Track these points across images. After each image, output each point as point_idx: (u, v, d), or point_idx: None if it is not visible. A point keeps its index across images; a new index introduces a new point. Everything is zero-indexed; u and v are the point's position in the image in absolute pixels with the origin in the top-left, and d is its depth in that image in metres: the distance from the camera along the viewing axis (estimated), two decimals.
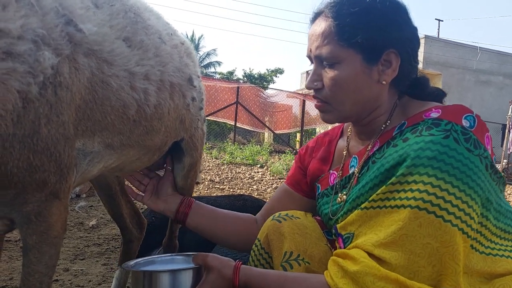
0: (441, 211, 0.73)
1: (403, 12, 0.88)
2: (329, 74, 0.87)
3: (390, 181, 0.79)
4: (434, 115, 0.82)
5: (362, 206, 0.84)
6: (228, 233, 1.15)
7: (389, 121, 0.91)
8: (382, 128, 0.91)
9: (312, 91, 0.93)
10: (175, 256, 1.09)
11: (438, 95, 0.95)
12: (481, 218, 0.78)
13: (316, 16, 0.91)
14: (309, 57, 0.93)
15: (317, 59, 0.89)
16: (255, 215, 1.22)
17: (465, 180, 0.74)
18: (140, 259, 1.06)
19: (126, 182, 1.45)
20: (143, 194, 1.25)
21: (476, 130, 0.78)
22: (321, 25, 0.88)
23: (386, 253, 0.75)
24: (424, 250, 0.73)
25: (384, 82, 0.87)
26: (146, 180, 1.26)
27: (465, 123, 0.79)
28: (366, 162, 0.90)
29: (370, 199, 0.82)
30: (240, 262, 0.91)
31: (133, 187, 1.30)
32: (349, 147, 1.01)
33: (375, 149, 0.89)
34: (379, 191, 0.81)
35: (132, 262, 1.03)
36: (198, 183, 4.99)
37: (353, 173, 0.93)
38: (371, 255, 0.76)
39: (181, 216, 1.18)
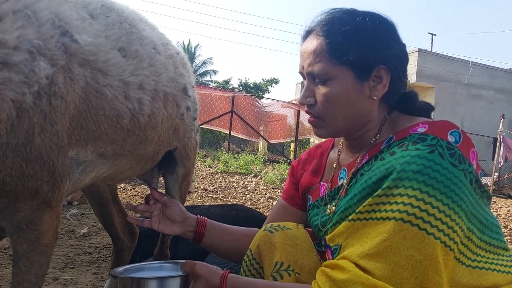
0: (424, 223, 0.74)
1: (392, 29, 0.91)
2: (321, 90, 0.89)
3: (376, 193, 0.80)
4: (421, 130, 0.84)
5: (350, 218, 0.85)
6: (240, 249, 1.14)
7: (378, 135, 0.93)
8: (372, 142, 0.93)
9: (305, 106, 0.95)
10: (163, 264, 1.09)
11: (427, 109, 0.97)
12: (467, 231, 0.80)
13: (308, 34, 0.93)
14: (301, 73, 0.95)
15: (309, 76, 0.92)
16: (247, 225, 1.23)
17: (449, 194, 0.76)
18: (128, 266, 1.05)
19: (129, 211, 1.43)
20: (147, 220, 1.21)
21: (461, 146, 0.80)
22: (313, 43, 0.90)
23: (370, 264, 0.76)
24: (407, 262, 0.74)
25: (375, 98, 0.90)
26: (154, 207, 1.21)
27: (450, 138, 0.81)
28: (355, 175, 0.91)
29: (357, 211, 0.84)
30: (228, 271, 0.91)
31: (136, 213, 1.26)
32: (339, 159, 1.03)
33: (363, 162, 0.91)
34: (365, 203, 0.82)
35: (120, 269, 1.02)
36: (190, 192, 4.98)
37: (342, 184, 0.94)
38: (357, 265, 0.77)
39: (198, 236, 1.17)
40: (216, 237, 1.17)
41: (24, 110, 0.78)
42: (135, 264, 1.07)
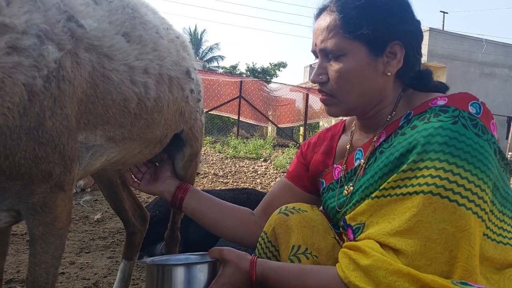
0: (454, 195, 0.73)
1: (406, 5, 0.90)
2: (334, 66, 0.88)
3: (402, 168, 0.79)
4: (441, 102, 0.83)
5: (373, 195, 0.84)
6: (224, 223, 1.15)
7: (394, 113, 0.92)
8: (388, 119, 0.92)
9: (316, 85, 0.94)
10: (189, 256, 1.08)
11: (441, 88, 0.96)
12: (490, 204, 0.78)
13: (321, 11, 0.93)
14: (314, 51, 0.94)
15: (322, 53, 0.91)
16: None
17: (477, 164, 0.75)
18: (155, 258, 1.05)
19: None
20: (139, 182, 1.27)
21: (482, 117, 0.79)
22: (326, 19, 0.90)
23: (401, 241, 0.75)
24: (440, 236, 0.72)
25: (389, 74, 0.89)
26: (144, 168, 1.28)
27: (471, 109, 0.79)
28: (373, 153, 0.90)
29: (381, 188, 0.82)
30: (256, 256, 0.92)
31: (132, 175, 1.31)
32: (352, 141, 1.02)
33: (381, 140, 0.90)
34: (390, 179, 0.81)
35: (148, 259, 1.02)
36: (198, 173, 5.03)
37: (359, 165, 0.93)
38: (383, 245, 0.77)
39: (177, 201, 1.19)
40: (198, 204, 1.17)
41: (35, 94, 0.79)
42: (161, 256, 1.07)
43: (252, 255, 0.92)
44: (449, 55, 14.06)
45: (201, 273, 0.91)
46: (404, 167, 0.78)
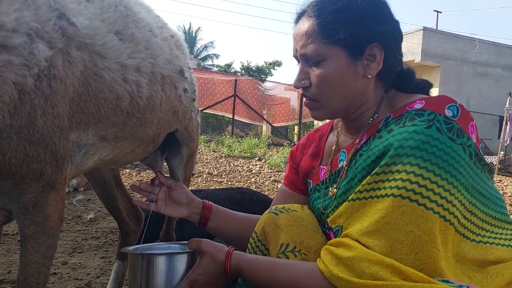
0: (423, 199, 0.74)
1: (383, 6, 0.90)
2: (315, 72, 0.89)
3: (374, 171, 0.80)
4: (418, 106, 0.83)
5: (350, 198, 0.85)
6: (243, 234, 1.16)
7: (376, 115, 0.93)
8: (370, 121, 0.93)
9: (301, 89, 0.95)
10: (172, 244, 1.13)
11: (424, 86, 0.97)
12: (470, 206, 0.79)
13: (300, 16, 0.93)
14: (295, 57, 0.95)
15: (303, 58, 0.92)
16: (253, 207, 1.23)
17: (447, 168, 0.75)
18: (138, 246, 1.09)
19: (131, 192, 1.43)
20: (153, 203, 1.22)
21: (459, 120, 0.80)
22: (305, 24, 0.90)
23: (370, 241, 0.76)
24: (406, 238, 0.74)
25: (369, 76, 0.89)
26: (155, 189, 1.23)
27: (448, 113, 0.80)
28: (354, 156, 0.91)
29: (356, 190, 0.84)
30: (233, 248, 0.93)
31: (142, 202, 1.27)
32: (338, 142, 1.03)
33: (362, 142, 0.91)
34: (364, 182, 0.82)
35: (131, 248, 1.07)
36: (193, 174, 5.02)
37: (342, 167, 0.95)
38: (359, 243, 0.77)
39: (203, 220, 1.20)
40: (221, 222, 1.19)
41: (26, 93, 0.79)
42: (145, 245, 1.11)
43: (229, 247, 0.93)
44: (443, 54, 14.12)
45: (180, 262, 0.96)
46: (377, 169, 0.80)
